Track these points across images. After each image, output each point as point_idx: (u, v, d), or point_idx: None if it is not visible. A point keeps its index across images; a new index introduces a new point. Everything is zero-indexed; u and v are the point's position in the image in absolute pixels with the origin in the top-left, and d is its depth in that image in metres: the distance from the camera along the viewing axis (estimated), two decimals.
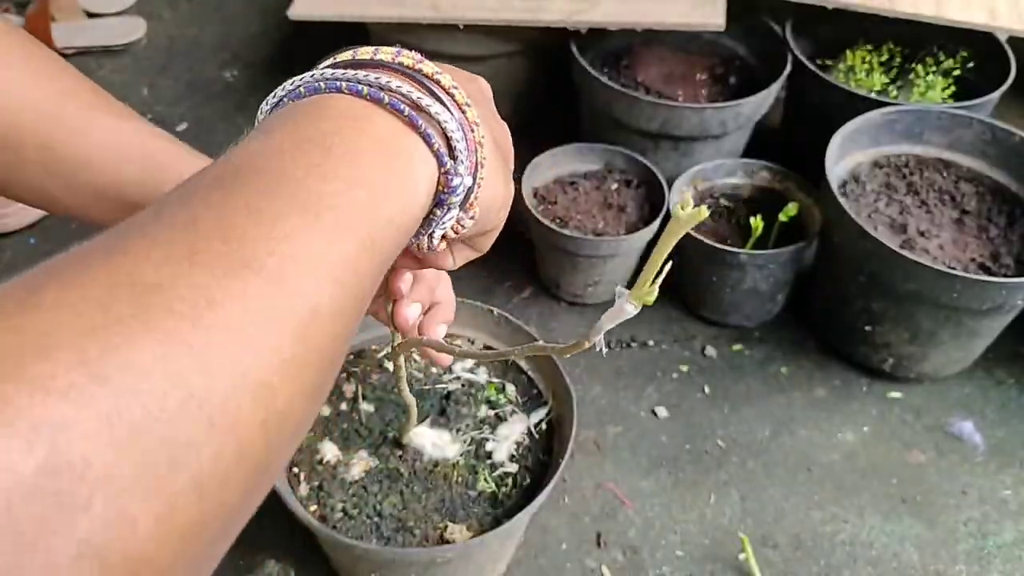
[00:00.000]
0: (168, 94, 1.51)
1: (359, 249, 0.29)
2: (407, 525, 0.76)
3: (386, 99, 0.32)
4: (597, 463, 1.01)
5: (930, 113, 1.13)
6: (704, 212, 0.39)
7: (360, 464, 0.79)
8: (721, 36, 1.35)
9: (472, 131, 0.35)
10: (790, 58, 1.25)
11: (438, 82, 0.35)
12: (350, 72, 0.33)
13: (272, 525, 0.90)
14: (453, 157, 0.34)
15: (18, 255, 1.22)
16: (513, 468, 0.81)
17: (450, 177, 0.34)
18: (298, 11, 1.24)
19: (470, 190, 0.36)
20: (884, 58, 1.32)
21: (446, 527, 0.76)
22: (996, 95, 1.20)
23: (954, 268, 1.01)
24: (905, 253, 0.95)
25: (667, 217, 1.11)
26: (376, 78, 0.33)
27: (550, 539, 0.93)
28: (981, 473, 1.02)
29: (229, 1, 1.76)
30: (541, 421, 0.85)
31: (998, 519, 0.98)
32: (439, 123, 0.33)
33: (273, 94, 0.35)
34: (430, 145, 0.33)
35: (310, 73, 0.34)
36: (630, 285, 0.40)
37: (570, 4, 1.24)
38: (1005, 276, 1.00)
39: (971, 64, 1.28)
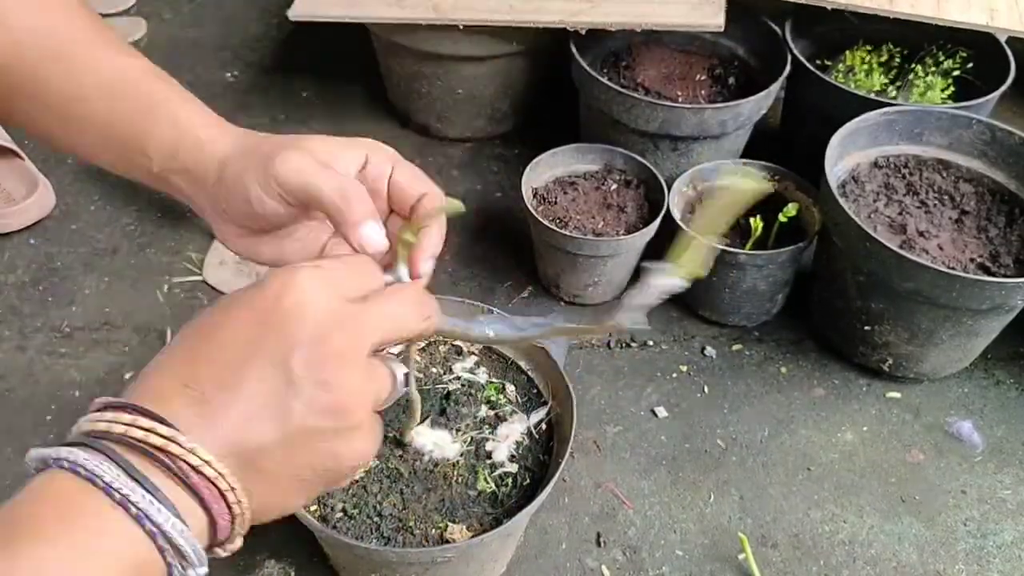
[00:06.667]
0: None
1: None
2: (407, 525, 0.76)
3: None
4: (597, 463, 1.01)
5: (929, 113, 1.13)
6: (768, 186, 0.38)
7: None
8: (721, 36, 1.35)
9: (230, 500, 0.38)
10: (789, 58, 1.25)
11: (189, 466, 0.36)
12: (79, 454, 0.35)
13: (272, 525, 0.89)
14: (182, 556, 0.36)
15: (18, 255, 1.22)
16: (513, 468, 0.81)
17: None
18: (298, 12, 1.25)
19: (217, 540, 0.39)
20: (883, 58, 1.32)
21: (446, 527, 0.76)
22: (995, 95, 1.20)
23: (953, 268, 1.01)
24: (904, 253, 0.95)
25: (667, 217, 1.11)
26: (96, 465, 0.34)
27: (550, 539, 0.93)
28: (980, 473, 1.02)
29: (229, 2, 1.76)
30: (541, 421, 0.85)
31: (997, 519, 0.98)
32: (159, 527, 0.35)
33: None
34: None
35: (42, 451, 0.35)
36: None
37: (570, 5, 1.24)
38: (1004, 276, 1.00)
39: (970, 64, 1.28)
